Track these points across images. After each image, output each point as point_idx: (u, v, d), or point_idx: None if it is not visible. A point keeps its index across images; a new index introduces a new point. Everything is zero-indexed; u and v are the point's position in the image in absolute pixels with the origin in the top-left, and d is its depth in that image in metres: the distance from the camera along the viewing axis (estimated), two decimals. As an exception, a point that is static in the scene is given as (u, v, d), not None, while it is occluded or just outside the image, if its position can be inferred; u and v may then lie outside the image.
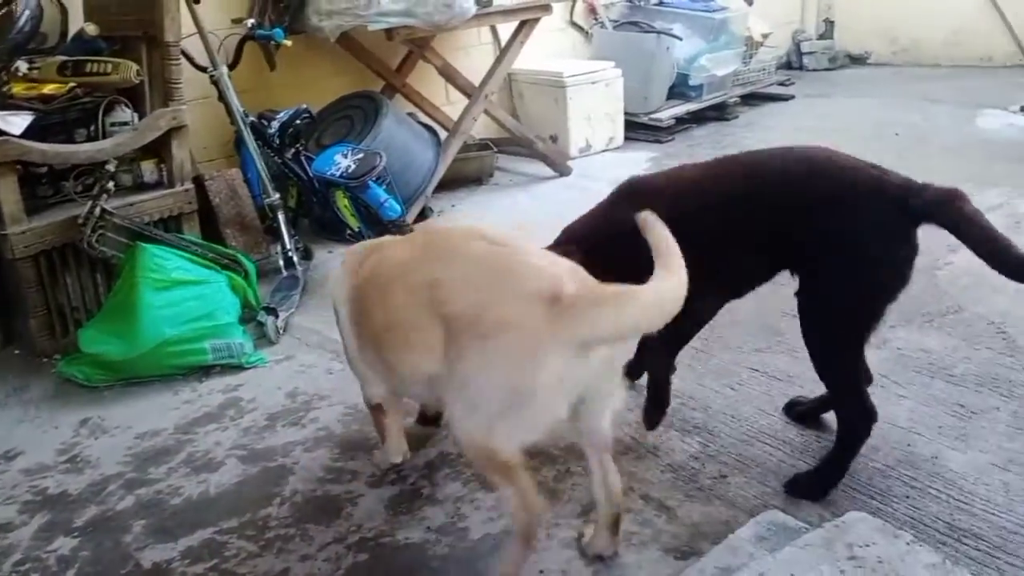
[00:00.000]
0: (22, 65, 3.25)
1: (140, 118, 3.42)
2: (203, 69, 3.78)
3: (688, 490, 2.24)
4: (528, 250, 1.85)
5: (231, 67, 3.84)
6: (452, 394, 1.79)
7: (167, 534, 2.23)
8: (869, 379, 2.35)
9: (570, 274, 1.74)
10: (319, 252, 4.13)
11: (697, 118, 6.15)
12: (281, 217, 3.74)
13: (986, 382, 2.61)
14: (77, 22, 3.57)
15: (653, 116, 5.88)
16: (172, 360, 2.99)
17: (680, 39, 5.91)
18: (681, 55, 6.01)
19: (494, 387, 1.69)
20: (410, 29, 4.21)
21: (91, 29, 3.44)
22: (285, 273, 3.66)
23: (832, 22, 8.17)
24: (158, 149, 3.47)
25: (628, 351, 1.70)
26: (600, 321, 1.63)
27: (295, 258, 3.70)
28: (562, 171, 5.21)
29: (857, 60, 8.07)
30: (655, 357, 2.48)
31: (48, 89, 3.27)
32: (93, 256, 3.18)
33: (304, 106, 3.92)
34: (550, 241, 2.36)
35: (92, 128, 3.34)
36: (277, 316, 3.28)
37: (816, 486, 2.18)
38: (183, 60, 3.53)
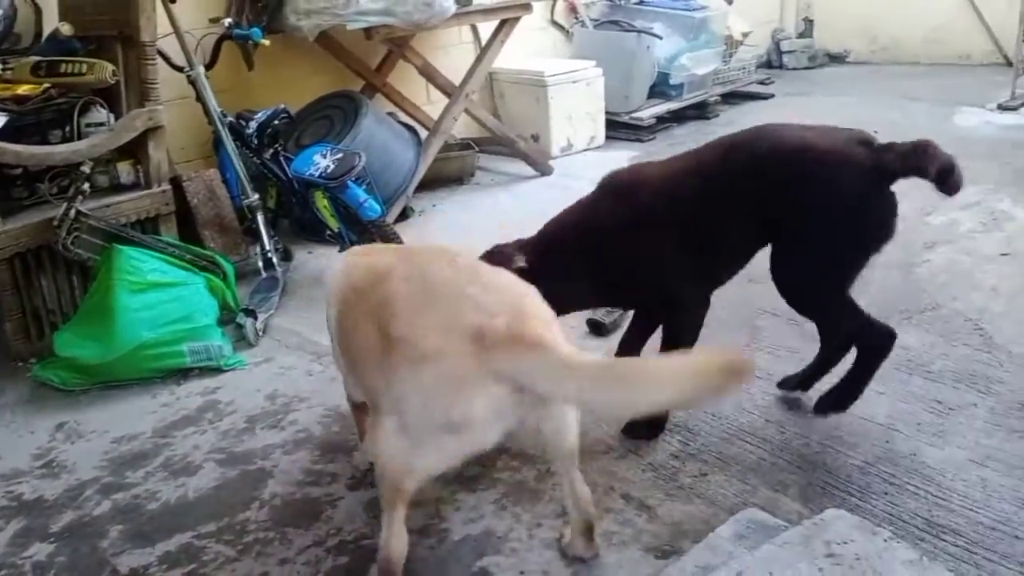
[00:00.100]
0: (-6, 66, 3.22)
1: (116, 119, 3.39)
2: (180, 69, 3.75)
3: (669, 489, 2.24)
4: (484, 280, 1.81)
5: (208, 67, 3.81)
6: (386, 411, 1.78)
7: (144, 539, 2.21)
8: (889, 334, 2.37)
9: (514, 310, 1.68)
10: (299, 253, 4.11)
11: (678, 117, 6.16)
12: (260, 218, 3.72)
13: (963, 378, 2.63)
14: (52, 22, 3.54)
15: (634, 115, 5.89)
16: (149, 363, 2.96)
17: (660, 38, 5.92)
18: (661, 54, 6.02)
19: (422, 414, 1.69)
20: (389, 28, 4.20)
21: (66, 29, 3.40)
22: (264, 274, 3.64)
23: (811, 21, 8.21)
24: (134, 150, 3.44)
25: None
26: (521, 368, 1.61)
27: (274, 259, 3.68)
28: (543, 170, 5.21)
29: (836, 59, 8.11)
30: None
31: (22, 90, 3.24)
32: (69, 258, 3.15)
33: (282, 106, 3.89)
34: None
35: (67, 129, 3.32)
36: (256, 318, 3.26)
37: (841, 398, 2.39)
38: (159, 60, 3.50)
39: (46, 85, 3.26)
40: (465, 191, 5.07)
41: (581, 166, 5.30)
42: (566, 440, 1.84)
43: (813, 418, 2.49)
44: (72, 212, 3.07)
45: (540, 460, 2.38)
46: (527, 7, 4.88)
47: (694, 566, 1.75)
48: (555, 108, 5.47)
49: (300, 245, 4.19)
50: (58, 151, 3.20)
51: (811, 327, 2.68)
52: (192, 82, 3.74)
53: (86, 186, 3.16)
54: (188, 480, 2.44)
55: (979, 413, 2.46)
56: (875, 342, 2.34)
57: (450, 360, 1.63)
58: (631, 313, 3.14)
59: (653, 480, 2.28)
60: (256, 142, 3.79)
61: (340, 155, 3.54)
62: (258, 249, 3.71)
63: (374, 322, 1.81)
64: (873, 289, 3.20)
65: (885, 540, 1.64)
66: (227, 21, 3.90)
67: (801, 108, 6.40)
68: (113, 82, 3.35)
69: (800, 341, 2.81)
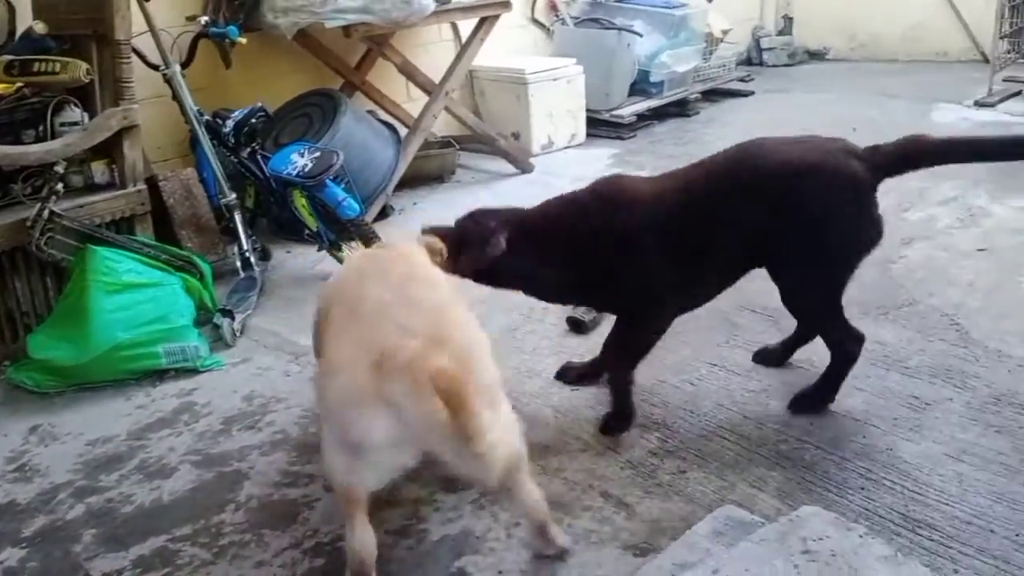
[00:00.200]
0: (-33, 65, 3.17)
1: (90, 118, 3.35)
2: (155, 67, 3.72)
3: (647, 486, 2.24)
4: (414, 299, 1.79)
5: (184, 65, 3.77)
6: (323, 421, 1.82)
7: (118, 543, 2.19)
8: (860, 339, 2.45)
9: (431, 337, 1.65)
10: (277, 252, 4.08)
11: (658, 114, 6.17)
12: (238, 217, 3.69)
13: (940, 373, 2.64)
14: (25, 20, 3.49)
15: (615, 113, 5.89)
16: (124, 365, 2.93)
17: (641, 36, 5.93)
18: (642, 52, 6.03)
19: (332, 430, 1.72)
20: (368, 26, 4.17)
21: (39, 27, 3.34)
22: (242, 274, 3.61)
23: (791, 18, 8.25)
24: (109, 149, 3.39)
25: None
26: (404, 403, 1.59)
27: (252, 259, 3.65)
28: (524, 168, 5.20)
29: (816, 56, 8.15)
30: (616, 371, 2.51)
31: (-6, 89, 3.20)
32: (42, 259, 3.10)
33: (259, 105, 3.86)
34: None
35: (41, 129, 3.27)
36: (233, 318, 3.23)
37: (816, 402, 2.48)
38: (134, 58, 3.46)
39: (19, 84, 3.22)
40: (446, 189, 5.06)
41: (562, 164, 5.31)
42: (494, 462, 1.67)
43: (790, 414, 2.50)
44: (46, 213, 3.03)
45: (519, 459, 2.37)
46: (506, 5, 4.87)
47: (671, 564, 1.75)
48: (536, 106, 5.46)
49: (279, 244, 4.16)
50: (31, 151, 3.15)
51: (788, 323, 2.72)
52: (168, 81, 3.70)
53: (60, 186, 3.12)
54: (163, 483, 2.41)
55: (955, 408, 2.47)
56: (849, 347, 2.42)
57: (351, 381, 1.65)
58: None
59: (632, 477, 2.28)
60: (233, 141, 3.76)
61: (318, 154, 3.52)
62: (236, 249, 3.68)
63: (325, 331, 1.87)
64: (851, 285, 3.23)
65: (860, 536, 1.65)
66: (203, 19, 3.86)
67: (781, 105, 6.43)
68: (87, 81, 3.31)
69: (778, 336, 2.82)
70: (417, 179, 4.96)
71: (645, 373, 2.75)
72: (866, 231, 2.28)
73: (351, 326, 1.78)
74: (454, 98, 5.01)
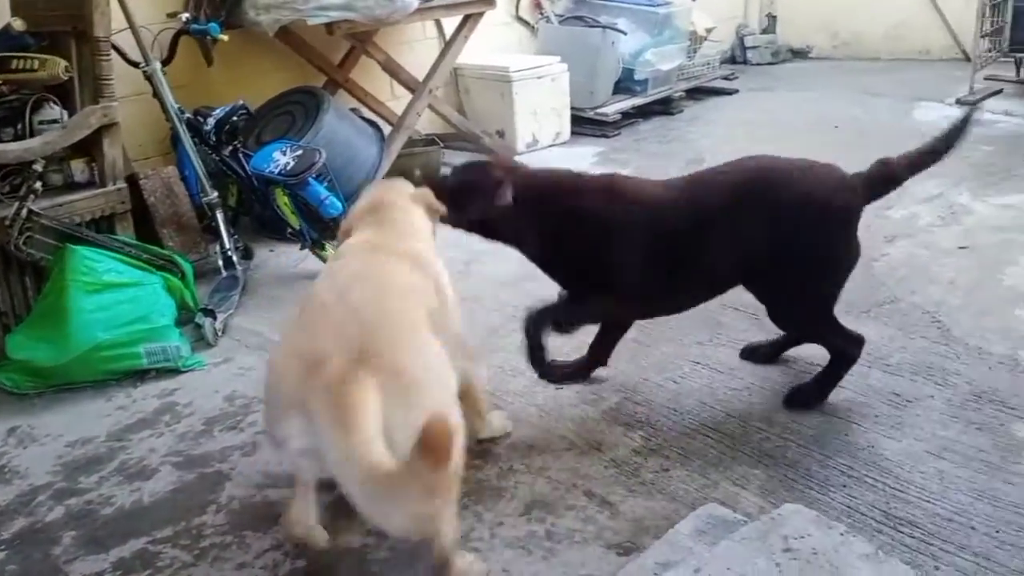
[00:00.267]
0: (-56, 62, 3.14)
1: (69, 116, 3.32)
2: (135, 64, 3.68)
3: (631, 485, 2.23)
4: (357, 307, 1.75)
5: (165, 62, 3.74)
6: None
7: (98, 545, 2.17)
8: (860, 341, 2.50)
9: (360, 351, 1.62)
10: (260, 251, 4.06)
11: (643, 112, 6.18)
12: (220, 216, 3.66)
13: (921, 371, 2.66)
14: (3, 17, 3.45)
15: (599, 111, 5.89)
16: (105, 365, 2.91)
17: (625, 34, 5.92)
18: (626, 50, 6.02)
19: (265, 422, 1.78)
20: (351, 23, 4.15)
21: (18, 24, 3.31)
22: (224, 273, 3.59)
23: (775, 17, 8.27)
24: (89, 147, 3.37)
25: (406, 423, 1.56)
26: (315, 418, 1.58)
27: (235, 258, 3.62)
28: (509, 166, 5.18)
29: (799, 54, 8.18)
30: (534, 323, 2.53)
31: (-27, 87, 3.16)
32: (21, 259, 3.08)
33: (241, 102, 3.84)
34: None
35: (19, 127, 3.24)
36: (215, 318, 3.21)
37: (812, 397, 2.51)
38: (115, 55, 3.43)
39: (-3, 82, 3.20)
40: (430, 188, 5.03)
41: (547, 162, 5.29)
42: (412, 528, 1.63)
43: (773, 412, 2.51)
44: (24, 211, 3.00)
45: (502, 458, 2.37)
46: (490, 2, 4.86)
47: (654, 563, 1.75)
48: (520, 104, 5.45)
49: (261, 243, 4.13)
50: (10, 149, 3.13)
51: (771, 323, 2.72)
52: (148, 78, 3.67)
53: (38, 185, 3.10)
54: (143, 484, 2.39)
55: (936, 405, 2.48)
56: (849, 351, 2.47)
57: (278, 384, 1.70)
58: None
59: (615, 476, 2.28)
60: (214, 139, 3.73)
61: (300, 152, 3.50)
62: (218, 247, 3.65)
63: None
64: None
65: (842, 534, 1.65)
66: (184, 16, 3.83)
67: (765, 103, 6.45)
68: (66, 78, 3.29)
69: (762, 335, 2.82)
70: (401, 177, 4.93)
71: (629, 371, 2.77)
72: (855, 254, 2.41)
73: (296, 324, 1.82)
74: (438, 96, 4.99)
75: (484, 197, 2.33)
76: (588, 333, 2.73)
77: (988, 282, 3.20)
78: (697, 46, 6.77)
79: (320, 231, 3.61)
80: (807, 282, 2.39)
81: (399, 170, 4.77)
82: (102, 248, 3.10)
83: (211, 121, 3.71)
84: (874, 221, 3.83)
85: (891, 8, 7.54)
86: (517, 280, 3.50)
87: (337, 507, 2.20)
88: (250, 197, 3.84)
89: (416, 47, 5.47)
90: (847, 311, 2.99)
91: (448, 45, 4.97)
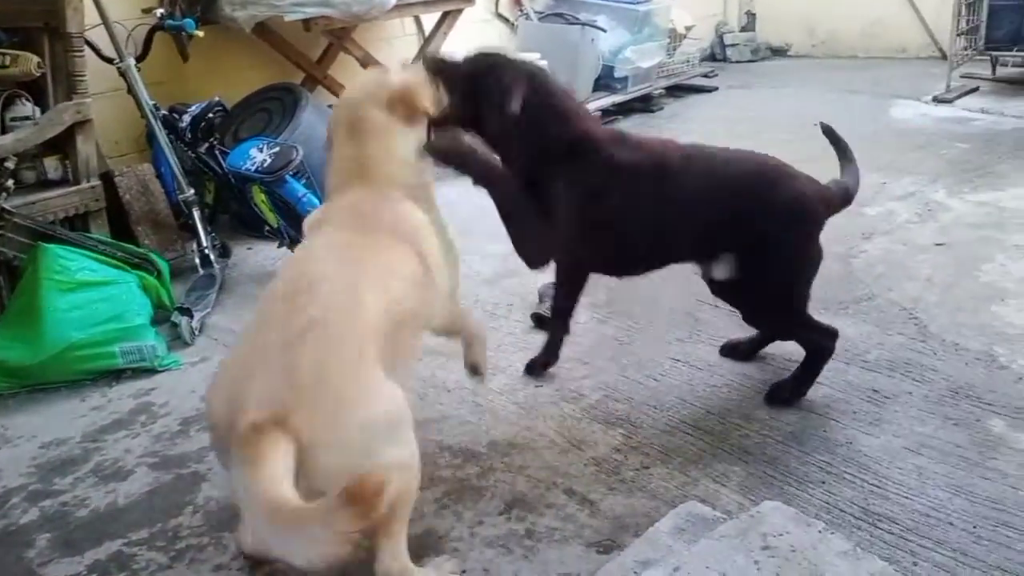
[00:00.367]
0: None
1: (42, 112, 3.29)
2: (109, 61, 3.64)
3: (611, 483, 2.23)
4: (299, 339, 1.62)
5: (140, 59, 3.70)
6: None
7: (72, 548, 2.14)
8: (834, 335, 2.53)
9: (293, 394, 1.55)
10: (238, 249, 4.02)
11: (623, 110, 6.19)
12: (196, 213, 3.63)
13: (898, 367, 2.67)
14: (-27, 13, 3.40)
15: (579, 108, 5.87)
16: (79, 365, 2.87)
17: (605, 31, 5.92)
18: (606, 47, 6.02)
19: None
20: (328, 19, 4.13)
21: (-12, 20, 3.27)
22: (201, 271, 3.55)
23: (754, 14, 8.31)
24: (62, 144, 3.34)
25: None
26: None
27: (212, 256, 3.59)
28: (489, 163, 5.16)
29: (778, 52, 8.23)
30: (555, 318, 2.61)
31: (-58, 83, 3.11)
32: (-7, 258, 3.04)
33: (217, 99, 3.80)
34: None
35: (-9, 123, 3.20)
36: (192, 316, 3.17)
37: (792, 393, 2.52)
38: (88, 52, 3.39)
39: (-33, 78, 3.15)
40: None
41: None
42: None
43: (752, 408, 2.51)
44: (-4, 209, 2.96)
45: (483, 456, 2.36)
46: (469, -1, 4.84)
47: (633, 561, 1.74)
48: (500, 101, 5.42)
49: (239, 241, 4.09)
50: (-19, 146, 3.08)
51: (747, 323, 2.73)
52: (123, 74, 3.63)
53: (11, 182, 3.07)
54: (119, 486, 2.36)
55: (914, 401, 2.50)
56: (824, 344, 2.50)
57: (209, 413, 1.68)
58: (577, 309, 3.15)
59: (595, 474, 2.27)
60: (190, 136, 3.70)
61: (277, 149, 3.47)
62: (195, 246, 3.62)
63: None
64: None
65: (820, 531, 1.66)
66: (159, 11, 3.80)
67: (744, 101, 6.48)
68: (39, 75, 3.25)
69: (740, 332, 2.82)
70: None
71: (609, 369, 2.77)
72: (820, 256, 2.47)
73: (236, 348, 1.77)
74: (418, 93, 4.95)
75: (498, 95, 2.23)
76: (572, 333, 2.74)
77: (964, 279, 3.23)
78: (677, 44, 6.79)
79: (298, 229, 3.58)
80: (784, 281, 2.43)
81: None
82: (76, 246, 3.06)
83: (186, 118, 3.68)
84: (851, 218, 3.86)
85: (868, 6, 7.60)
86: (498, 278, 3.50)
87: (315, 507, 2.20)
88: (227, 194, 3.81)
89: (395, 44, 5.44)
90: (825, 308, 3.02)
91: (427, 42, 4.95)
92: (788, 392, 2.53)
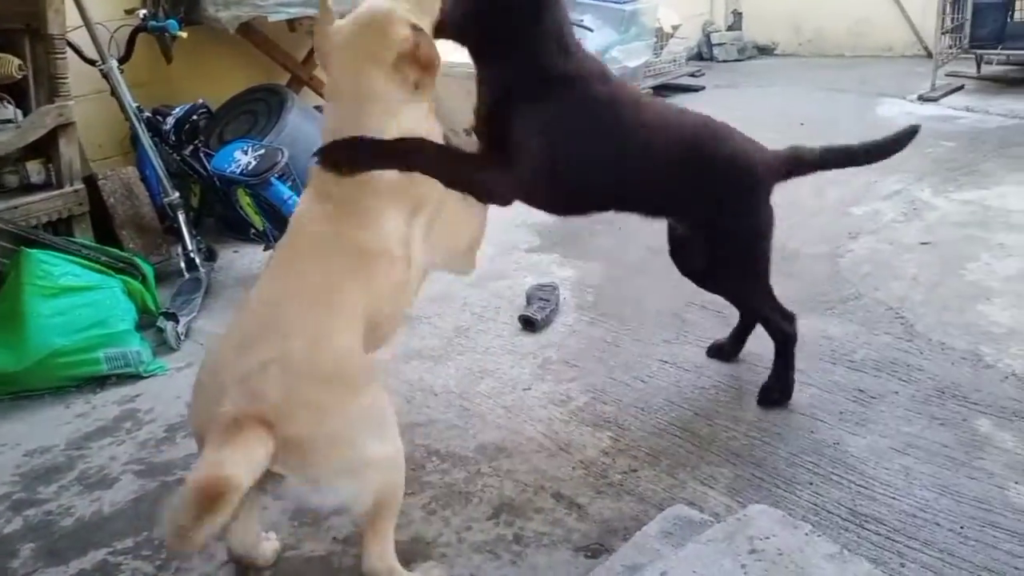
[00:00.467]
0: None
1: (24, 115, 3.26)
2: (92, 62, 3.61)
3: (599, 486, 2.23)
4: (258, 339, 1.63)
5: (123, 60, 3.67)
6: None
7: (57, 557, 2.11)
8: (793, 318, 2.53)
9: (249, 397, 1.55)
10: (224, 252, 4.00)
11: (610, 109, 6.17)
12: (181, 217, 3.60)
13: (885, 367, 2.68)
14: (-48, 14, 3.37)
15: (566, 107, 5.86)
16: (63, 371, 2.84)
17: (591, 30, 5.91)
18: (592, 46, 6.00)
19: None
20: (313, 20, 4.09)
21: (-32, 22, 3.24)
22: (187, 275, 3.53)
23: (740, 13, 8.33)
24: (44, 148, 3.31)
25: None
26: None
27: (197, 259, 3.56)
28: (476, 164, 5.15)
29: (765, 51, 8.25)
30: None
31: (-79, 86, 3.09)
32: (-25, 263, 3.01)
33: (201, 101, 3.77)
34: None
35: (-29, 127, 3.17)
36: (177, 321, 3.15)
37: (780, 393, 2.53)
38: (70, 53, 3.36)
39: (-53, 81, 3.12)
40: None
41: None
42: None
43: (740, 410, 2.52)
44: (-23, 214, 2.94)
45: (471, 461, 2.35)
46: (456, -1, 4.81)
47: (621, 566, 1.74)
48: (487, 101, 5.41)
49: (226, 244, 4.07)
50: (-38, 150, 3.06)
51: (736, 319, 2.74)
52: (105, 76, 3.60)
53: (-8, 187, 3.03)
54: (104, 494, 2.34)
55: (900, 401, 2.50)
56: (787, 330, 2.50)
57: (191, 409, 1.71)
58: (562, 309, 3.16)
59: (583, 478, 2.27)
60: (174, 138, 3.67)
61: (262, 151, 3.45)
62: (180, 249, 3.59)
63: None
64: (798, 280, 3.27)
65: (806, 534, 1.65)
66: (142, 12, 3.78)
67: (731, 100, 6.49)
68: (20, 77, 3.23)
69: (726, 332, 2.83)
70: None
71: (596, 371, 2.77)
72: (772, 221, 2.42)
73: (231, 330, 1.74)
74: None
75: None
76: (550, 330, 2.73)
77: (950, 278, 3.24)
78: (663, 43, 6.80)
79: (284, 231, 3.55)
80: (734, 240, 2.40)
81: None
82: (59, 251, 3.04)
83: (170, 120, 3.65)
84: (837, 218, 3.88)
85: (854, 5, 7.63)
86: (485, 280, 3.49)
87: (303, 514, 2.19)
88: (212, 197, 3.78)
89: (381, 44, 5.41)
90: (812, 308, 3.03)
91: None
92: (777, 392, 2.53)
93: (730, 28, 8.32)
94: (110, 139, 4.21)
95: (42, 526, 2.24)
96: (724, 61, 7.98)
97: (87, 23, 3.51)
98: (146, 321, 3.19)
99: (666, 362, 2.81)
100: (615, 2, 6.20)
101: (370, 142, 1.85)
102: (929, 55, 6.72)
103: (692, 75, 7.15)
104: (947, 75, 6.24)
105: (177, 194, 3.62)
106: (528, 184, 2.19)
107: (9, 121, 3.22)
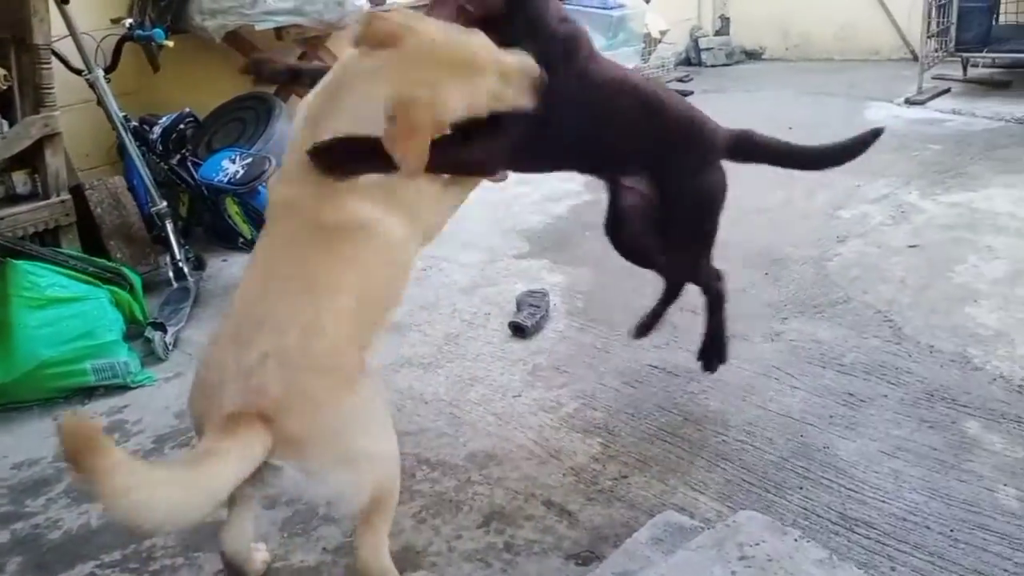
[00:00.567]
0: None
1: (10, 126, 3.24)
2: (78, 72, 3.60)
3: (589, 493, 2.22)
4: (252, 338, 1.63)
5: (109, 70, 3.67)
6: None
7: (45, 570, 2.10)
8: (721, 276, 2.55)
9: (247, 391, 1.56)
10: (213, 261, 3.98)
11: (599, 114, 6.18)
12: (169, 226, 3.59)
13: (874, 370, 2.68)
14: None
15: (555, 113, 5.87)
16: (51, 383, 2.83)
17: (579, 36, 5.92)
18: (581, 52, 6.02)
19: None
20: (300, 28, 4.11)
21: (-48, 32, 3.23)
22: (175, 285, 3.52)
23: (728, 18, 8.35)
24: (31, 158, 3.29)
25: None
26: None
27: (186, 269, 3.55)
28: (465, 171, 5.15)
29: (753, 55, 8.27)
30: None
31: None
32: (-40, 275, 2.98)
33: (188, 110, 3.77)
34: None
35: (-44, 138, 3.15)
36: (166, 331, 3.13)
37: (719, 353, 2.59)
38: (56, 63, 3.35)
39: (-68, 92, 3.10)
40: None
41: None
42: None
43: (729, 414, 2.51)
44: (-38, 226, 2.92)
45: (461, 469, 2.35)
46: (443, 6, 4.82)
47: (611, 573, 1.74)
48: (475, 107, 5.41)
49: (214, 253, 4.05)
50: (-53, 161, 3.04)
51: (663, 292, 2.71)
52: (91, 85, 3.59)
53: (-22, 198, 3.01)
54: (92, 506, 2.31)
55: (889, 404, 2.51)
56: (716, 287, 2.52)
57: (190, 405, 1.74)
58: (552, 316, 3.15)
59: (574, 484, 2.26)
60: (161, 147, 3.66)
61: (250, 160, 3.45)
62: (168, 259, 3.58)
63: None
64: (786, 284, 3.28)
65: (796, 540, 1.65)
66: (128, 21, 3.77)
67: (720, 105, 6.49)
68: (6, 87, 3.22)
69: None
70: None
71: (587, 377, 2.77)
72: (722, 188, 2.41)
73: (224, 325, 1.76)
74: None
75: None
76: (538, 338, 2.73)
77: (938, 280, 3.25)
78: (651, 48, 6.82)
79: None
80: (692, 195, 2.38)
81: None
82: (46, 262, 3.01)
83: (157, 130, 3.64)
84: (825, 221, 3.88)
85: (840, 9, 7.65)
86: (475, 287, 3.48)
87: (292, 524, 2.18)
88: (201, 206, 3.77)
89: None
90: (801, 311, 3.04)
91: None
92: (713, 350, 2.59)
93: (718, 33, 8.34)
94: (97, 149, 4.19)
95: (30, 539, 2.22)
96: (712, 66, 8.00)
97: (73, 32, 3.50)
98: (134, 331, 3.17)
99: (656, 367, 2.81)
100: (603, 8, 6.22)
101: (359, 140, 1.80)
102: (915, 59, 6.74)
103: (680, 80, 7.16)
104: (933, 78, 6.26)
105: (165, 203, 3.61)
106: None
107: (-6, 132, 3.21)
